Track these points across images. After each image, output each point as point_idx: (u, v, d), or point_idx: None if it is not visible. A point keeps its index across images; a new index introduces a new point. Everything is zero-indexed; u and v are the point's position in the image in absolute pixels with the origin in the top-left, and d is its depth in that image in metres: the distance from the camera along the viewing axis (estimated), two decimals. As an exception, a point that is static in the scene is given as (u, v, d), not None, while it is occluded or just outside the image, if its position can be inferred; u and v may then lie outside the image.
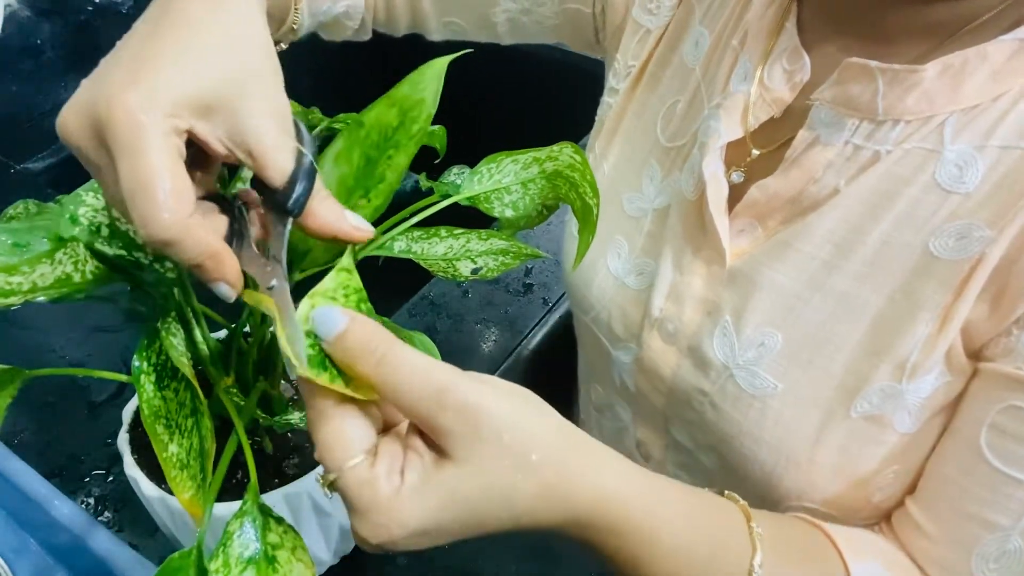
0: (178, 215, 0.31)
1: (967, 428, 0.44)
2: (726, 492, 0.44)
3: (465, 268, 0.48)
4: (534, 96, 1.34)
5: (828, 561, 0.44)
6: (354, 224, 0.37)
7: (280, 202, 0.35)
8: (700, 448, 0.56)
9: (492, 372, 0.76)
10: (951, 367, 0.44)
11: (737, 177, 0.52)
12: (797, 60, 0.48)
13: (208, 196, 0.36)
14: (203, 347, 0.44)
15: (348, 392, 0.33)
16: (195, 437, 0.39)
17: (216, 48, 0.33)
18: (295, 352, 0.32)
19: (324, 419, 0.33)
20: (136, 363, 0.38)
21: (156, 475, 0.47)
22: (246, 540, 0.37)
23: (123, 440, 0.49)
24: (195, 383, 0.38)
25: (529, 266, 0.87)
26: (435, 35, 0.70)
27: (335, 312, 0.33)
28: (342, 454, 0.32)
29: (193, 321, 0.42)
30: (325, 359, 0.33)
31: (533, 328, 0.81)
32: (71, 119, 0.32)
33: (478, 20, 0.67)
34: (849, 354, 0.47)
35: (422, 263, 0.47)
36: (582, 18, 0.63)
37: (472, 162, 0.48)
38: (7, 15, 1.04)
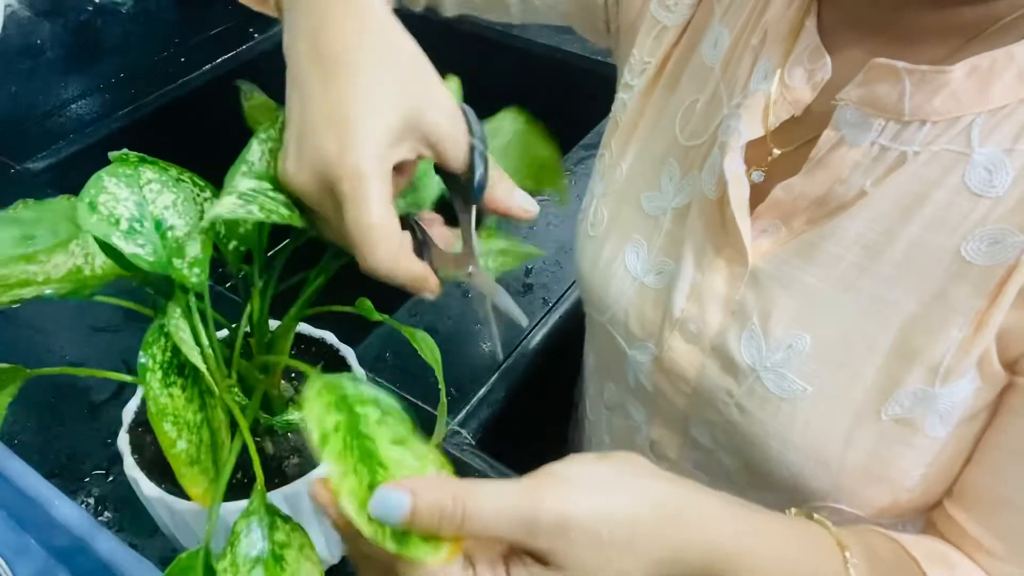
0: (392, 253, 0.37)
1: (1020, 444, 0.44)
2: (816, 517, 0.45)
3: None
4: (536, 93, 1.34)
5: None
6: (521, 205, 0.42)
7: (463, 188, 0.40)
8: (721, 448, 0.56)
9: (492, 372, 0.76)
10: (983, 374, 0.44)
11: (757, 176, 0.51)
12: (818, 59, 0.48)
13: None
14: (207, 347, 0.44)
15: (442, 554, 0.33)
16: (205, 432, 0.39)
17: (385, 81, 0.38)
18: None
19: (415, 569, 0.33)
20: (142, 359, 0.38)
21: (156, 475, 0.47)
22: (253, 539, 0.37)
23: (123, 440, 0.48)
24: (207, 376, 0.38)
25: (529, 266, 0.87)
26: (449, 11, 0.70)
27: (392, 495, 0.32)
28: None
29: (199, 320, 0.42)
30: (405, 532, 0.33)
31: (533, 328, 0.81)
32: (301, 177, 0.38)
33: (491, 2, 0.68)
34: (880, 356, 0.46)
35: (423, 263, 0.47)
36: (593, 6, 0.64)
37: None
38: (7, 15, 1.03)
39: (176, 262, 0.36)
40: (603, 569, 0.34)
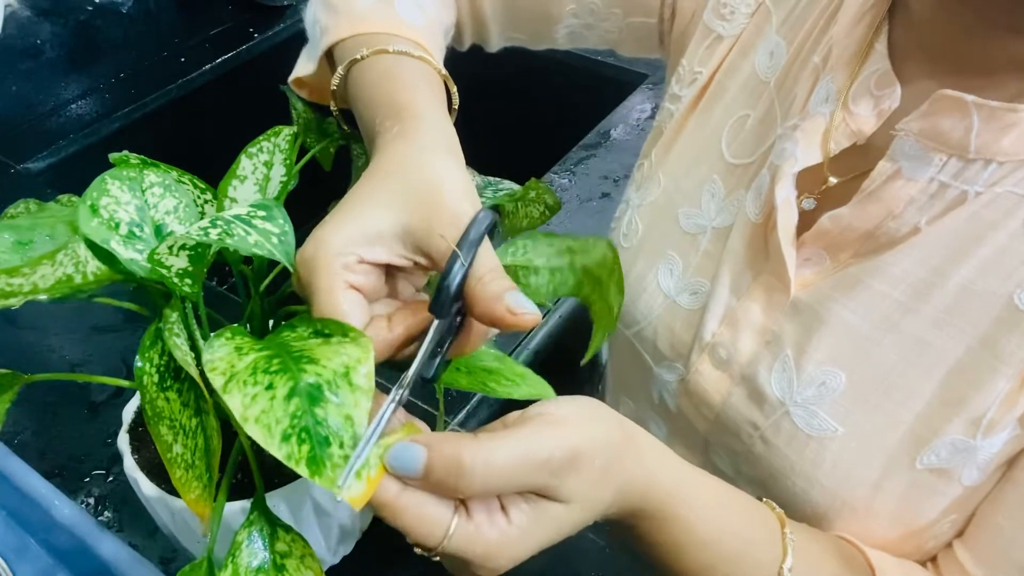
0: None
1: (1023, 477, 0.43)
2: (764, 499, 0.44)
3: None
4: (536, 93, 1.34)
5: None
6: (510, 308, 0.33)
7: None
8: (742, 478, 0.54)
9: (492, 372, 0.76)
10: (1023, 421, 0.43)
11: (808, 204, 0.49)
12: (886, 86, 0.44)
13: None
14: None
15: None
16: (200, 437, 0.39)
17: (384, 192, 0.37)
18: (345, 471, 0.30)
19: (399, 511, 0.32)
20: (139, 363, 0.38)
21: (156, 475, 0.47)
22: (254, 549, 0.37)
23: (123, 440, 0.48)
24: (200, 382, 0.38)
25: (529, 266, 0.87)
26: (494, 48, 0.69)
27: (409, 449, 0.32)
28: (436, 530, 0.32)
29: (195, 323, 0.42)
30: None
31: (533, 328, 0.80)
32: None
33: (538, 36, 0.67)
34: (920, 403, 0.44)
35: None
36: (647, 29, 0.62)
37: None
38: (7, 15, 1.03)
39: (162, 271, 0.35)
40: (589, 491, 0.35)
